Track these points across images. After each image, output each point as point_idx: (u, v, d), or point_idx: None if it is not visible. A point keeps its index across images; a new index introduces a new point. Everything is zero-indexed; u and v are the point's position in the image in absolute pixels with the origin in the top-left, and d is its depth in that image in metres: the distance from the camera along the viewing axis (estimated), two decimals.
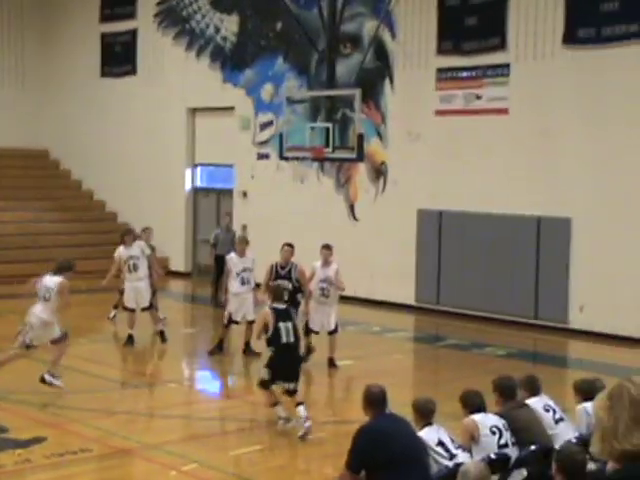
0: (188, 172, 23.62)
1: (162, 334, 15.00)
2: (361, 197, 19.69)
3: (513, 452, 7.22)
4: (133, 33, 24.48)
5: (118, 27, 24.84)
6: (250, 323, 13.73)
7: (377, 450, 6.44)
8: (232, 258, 14.08)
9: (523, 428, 7.41)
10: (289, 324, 10.31)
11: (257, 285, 14.05)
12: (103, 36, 25.29)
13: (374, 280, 19.07)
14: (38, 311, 11.42)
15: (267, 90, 21.31)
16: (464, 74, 17.82)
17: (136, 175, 24.25)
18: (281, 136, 19.75)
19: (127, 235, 15.13)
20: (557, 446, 7.21)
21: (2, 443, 9.37)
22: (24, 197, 24.19)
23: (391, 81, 19.04)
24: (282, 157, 19.86)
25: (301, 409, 10.18)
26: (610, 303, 15.89)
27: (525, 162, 16.97)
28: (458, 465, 6.64)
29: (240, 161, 22.10)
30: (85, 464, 9.14)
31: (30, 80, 26.72)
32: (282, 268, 13.53)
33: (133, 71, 24.59)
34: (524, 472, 7.20)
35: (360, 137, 18.31)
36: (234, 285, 13.91)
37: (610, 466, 3.17)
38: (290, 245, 13.73)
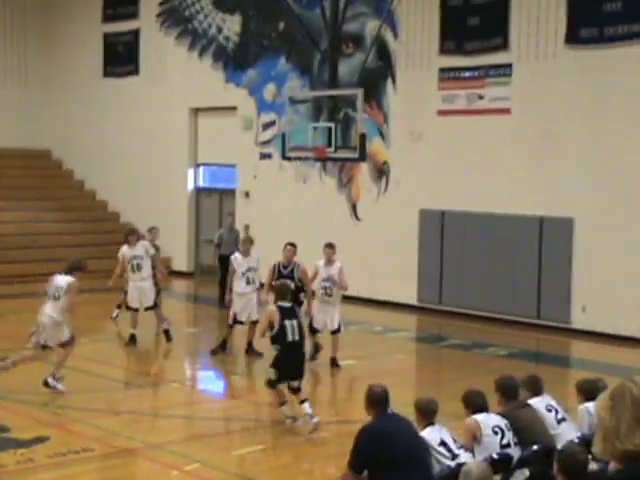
0: (190, 172, 23.63)
1: (167, 333, 15.00)
2: (363, 197, 19.70)
3: (515, 452, 7.22)
4: (135, 33, 24.49)
5: (120, 27, 24.86)
6: (254, 323, 13.73)
7: (379, 450, 6.45)
8: (237, 258, 14.06)
9: (525, 428, 7.41)
10: (294, 322, 10.34)
11: (261, 285, 14.05)
12: (105, 36, 25.31)
13: (376, 280, 19.07)
14: (49, 310, 11.45)
15: (269, 90, 21.32)
16: (466, 74, 17.82)
17: (138, 175, 24.26)
18: (283, 136, 19.78)
19: (131, 235, 15.14)
20: (559, 446, 7.21)
21: (4, 443, 9.38)
22: (24, 197, 24.20)
23: (393, 81, 19.05)
24: (284, 157, 19.89)
25: (306, 406, 10.24)
26: (612, 303, 15.89)
27: (527, 162, 16.96)
28: (460, 465, 6.64)
29: (242, 161, 22.10)
30: (87, 464, 9.15)
31: (33, 80, 26.74)
32: (285, 267, 13.53)
33: (135, 71, 24.60)
34: (526, 472, 7.20)
35: (362, 137, 18.34)
36: (239, 285, 13.89)
37: (612, 466, 3.18)
38: (293, 244, 13.73)
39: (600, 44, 15.91)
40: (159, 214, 22.43)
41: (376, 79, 19.24)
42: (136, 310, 14.88)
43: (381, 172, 19.36)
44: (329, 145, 18.54)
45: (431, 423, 7.16)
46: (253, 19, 21.68)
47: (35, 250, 22.24)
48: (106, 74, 25.39)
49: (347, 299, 14.76)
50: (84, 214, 24.83)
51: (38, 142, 26.43)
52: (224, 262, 16.37)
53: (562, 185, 16.56)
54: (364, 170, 19.57)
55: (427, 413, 7.21)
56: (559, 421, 7.82)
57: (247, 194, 21.97)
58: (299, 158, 19.82)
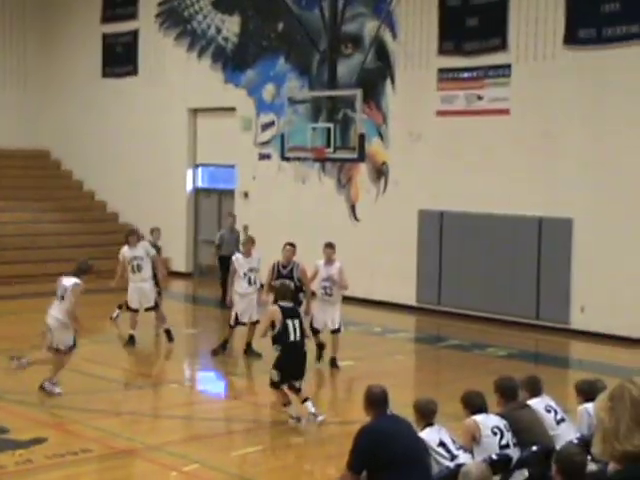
0: (189, 172, 23.62)
1: (169, 333, 14.99)
2: (362, 197, 19.70)
3: (514, 453, 7.21)
4: (134, 34, 24.48)
5: (119, 28, 24.85)
6: (253, 324, 13.73)
7: (378, 451, 6.45)
8: (238, 259, 14.04)
9: (524, 429, 7.41)
10: (296, 322, 10.38)
11: (262, 286, 14.04)
12: (105, 37, 25.30)
13: (375, 280, 19.06)
14: (54, 312, 11.43)
15: (268, 90, 21.32)
16: (465, 74, 17.82)
17: (137, 175, 24.26)
18: (282, 136, 19.79)
19: (131, 235, 15.12)
20: (558, 447, 7.20)
21: (3, 444, 9.37)
22: (23, 197, 24.18)
23: (392, 81, 19.04)
24: (283, 157, 19.89)
25: (309, 405, 10.29)
26: (611, 304, 15.89)
27: (527, 162, 16.97)
28: (459, 466, 6.64)
29: (241, 162, 22.10)
30: (86, 465, 9.15)
31: (32, 81, 26.73)
32: (284, 267, 13.53)
33: (134, 72, 24.59)
34: (525, 473, 7.20)
35: (361, 137, 18.34)
36: (241, 285, 13.88)
37: (611, 467, 3.17)
38: (292, 244, 13.72)
39: (598, 45, 15.91)
40: (158, 214, 22.41)
41: (375, 79, 19.24)
42: (136, 311, 14.87)
43: (380, 172, 19.36)
44: (328, 145, 18.55)
45: (430, 424, 7.16)
46: (252, 20, 21.68)
47: (34, 251, 22.23)
48: (105, 75, 25.38)
49: (345, 299, 14.76)
50: (83, 214, 24.82)
51: (37, 142, 26.42)
52: (225, 263, 16.37)
53: (561, 185, 16.56)
54: (363, 170, 19.57)
55: (426, 414, 7.21)
56: (558, 422, 7.81)
57: (246, 194, 21.97)
58: (298, 158, 19.82)
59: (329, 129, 18.64)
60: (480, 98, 17.59)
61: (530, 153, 16.91)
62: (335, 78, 19.86)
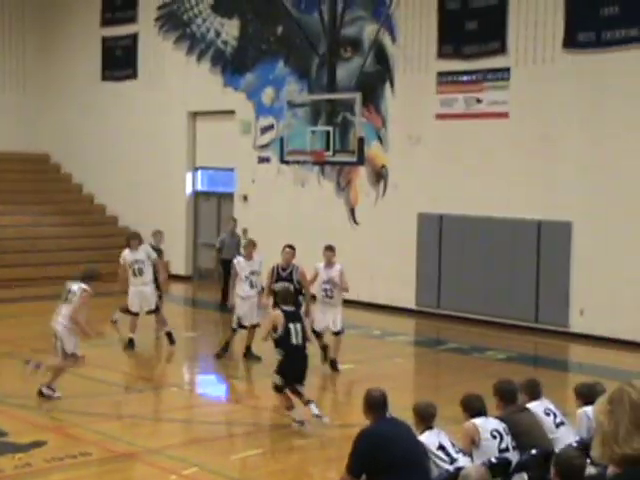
0: (189, 176, 23.63)
1: (170, 336, 14.97)
2: (361, 201, 19.70)
3: (514, 456, 7.22)
4: (134, 37, 24.50)
5: (119, 31, 24.86)
6: (253, 327, 13.73)
7: (378, 454, 6.45)
8: (240, 262, 14.05)
9: (524, 432, 7.41)
10: (298, 325, 10.38)
11: (262, 289, 14.03)
12: (104, 40, 25.31)
13: (374, 284, 19.06)
14: (60, 317, 11.39)
15: (268, 94, 21.33)
16: (464, 78, 17.83)
17: (137, 179, 24.26)
18: (282, 140, 19.78)
19: (133, 239, 15.10)
20: (558, 450, 7.21)
21: (2, 447, 9.36)
22: (23, 201, 24.19)
23: (391, 85, 19.06)
24: (283, 161, 19.89)
25: (312, 407, 10.30)
26: (610, 307, 15.89)
27: (526, 166, 16.97)
28: (459, 469, 6.64)
29: (241, 165, 22.11)
30: (85, 468, 9.14)
31: (31, 84, 26.74)
32: (283, 270, 13.52)
33: (134, 75, 24.60)
34: (525, 476, 7.20)
35: (360, 141, 18.34)
36: (243, 289, 13.89)
37: (611, 470, 3.18)
38: (291, 247, 13.71)
39: (598, 48, 15.93)
40: (157, 218, 22.39)
41: (374, 83, 19.26)
42: (136, 314, 14.86)
43: (379, 176, 19.37)
44: (327, 149, 18.54)
45: (429, 427, 7.16)
46: (251, 23, 21.69)
47: (34, 254, 22.24)
48: (104, 78, 25.40)
49: (345, 303, 14.76)
50: (82, 218, 24.82)
51: (36, 146, 26.43)
52: (226, 266, 16.38)
53: (560, 189, 16.57)
54: (362, 174, 19.58)
55: (425, 417, 7.21)
56: (557, 425, 7.82)
57: (245, 198, 21.97)
58: (297, 162, 19.81)
59: (328, 132, 18.64)
60: (479, 101, 17.61)
61: (529, 156, 16.92)
62: (334, 81, 19.87)
